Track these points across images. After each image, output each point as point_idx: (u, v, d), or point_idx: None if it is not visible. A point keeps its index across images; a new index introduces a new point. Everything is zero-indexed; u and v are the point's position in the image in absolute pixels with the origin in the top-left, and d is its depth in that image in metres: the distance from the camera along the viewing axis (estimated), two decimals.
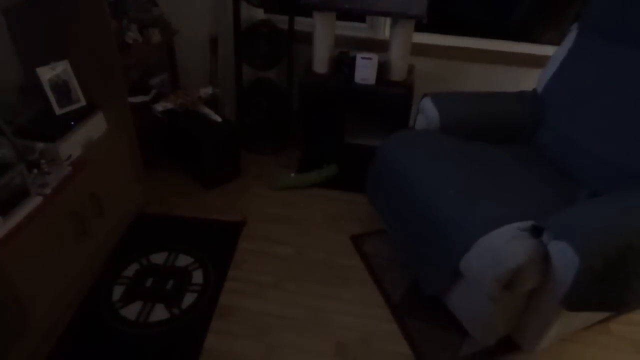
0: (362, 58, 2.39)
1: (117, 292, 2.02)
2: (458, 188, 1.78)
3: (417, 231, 1.83)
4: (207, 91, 2.71)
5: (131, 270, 2.13)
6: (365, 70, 2.42)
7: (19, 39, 2.11)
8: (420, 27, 2.53)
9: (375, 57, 2.40)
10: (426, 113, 2.15)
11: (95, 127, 2.16)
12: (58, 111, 2.05)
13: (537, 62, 2.60)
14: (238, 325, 1.90)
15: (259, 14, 2.76)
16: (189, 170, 2.71)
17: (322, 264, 2.20)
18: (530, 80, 2.58)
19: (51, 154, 1.92)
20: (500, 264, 1.48)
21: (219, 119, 2.55)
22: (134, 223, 2.38)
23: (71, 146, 2.00)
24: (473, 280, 1.63)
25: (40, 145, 1.89)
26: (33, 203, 1.75)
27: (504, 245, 1.52)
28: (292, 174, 2.66)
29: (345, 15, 2.64)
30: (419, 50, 2.66)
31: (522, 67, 2.65)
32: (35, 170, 1.85)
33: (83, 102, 2.13)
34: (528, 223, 1.56)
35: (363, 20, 2.80)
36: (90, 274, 2.08)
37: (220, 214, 2.46)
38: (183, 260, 2.19)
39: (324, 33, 2.43)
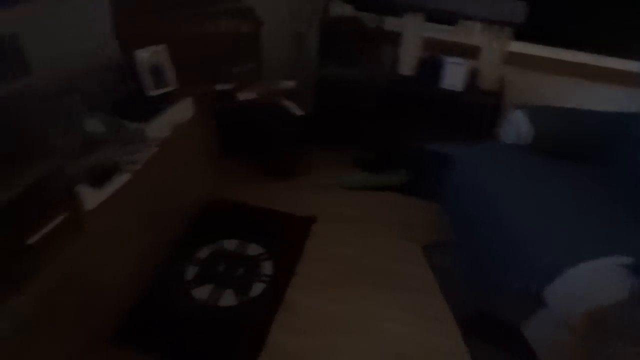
0: (452, 63, 2.31)
1: (190, 272, 2.08)
2: (548, 211, 1.67)
3: (496, 251, 1.74)
4: (288, 84, 2.72)
5: (204, 252, 2.19)
6: (453, 75, 2.34)
7: (120, 21, 2.20)
8: (515, 35, 2.41)
9: (465, 63, 2.31)
10: (517, 126, 2.04)
11: (183, 111, 2.22)
12: (150, 93, 2.13)
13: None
14: (301, 322, 1.90)
15: (348, 10, 2.74)
16: (263, 161, 2.75)
17: (388, 271, 2.16)
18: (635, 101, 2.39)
19: (141, 133, 1.99)
20: (593, 299, 1.38)
21: (300, 113, 2.55)
22: (208, 207, 2.44)
23: (159, 127, 2.07)
24: (556, 311, 1.53)
25: (131, 124, 1.97)
26: (122, 179, 1.83)
27: (599, 280, 1.42)
28: (362, 173, 2.63)
29: (435, 17, 2.55)
30: (512, 59, 2.52)
31: (624, 86, 2.46)
32: (127, 148, 1.94)
33: (174, 86, 2.20)
34: (628, 259, 1.44)
35: (453, 24, 2.71)
36: (164, 252, 2.15)
37: (290, 207, 2.47)
38: (254, 249, 2.22)
39: (413, 34, 2.37)
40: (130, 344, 1.78)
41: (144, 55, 2.09)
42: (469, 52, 2.58)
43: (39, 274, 1.45)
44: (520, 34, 2.44)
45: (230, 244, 2.25)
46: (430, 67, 2.44)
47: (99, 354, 1.73)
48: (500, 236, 1.72)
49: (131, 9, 2.11)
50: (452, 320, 1.94)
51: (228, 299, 1.98)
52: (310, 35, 2.85)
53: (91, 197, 1.66)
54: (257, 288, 2.04)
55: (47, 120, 1.36)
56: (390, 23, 2.69)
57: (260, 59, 2.99)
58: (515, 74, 2.53)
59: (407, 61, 2.44)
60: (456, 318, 1.94)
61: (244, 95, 2.62)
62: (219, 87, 2.43)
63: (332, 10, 2.61)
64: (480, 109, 2.34)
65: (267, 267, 2.14)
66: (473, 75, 2.40)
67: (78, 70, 1.94)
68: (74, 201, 1.54)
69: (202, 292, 2.00)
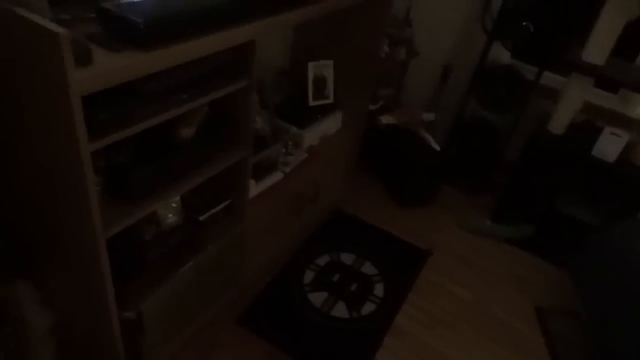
0: (611, 134, 2.24)
1: (308, 276, 2.20)
2: None
3: (631, 334, 1.67)
4: (429, 117, 2.78)
5: (323, 260, 2.30)
6: (609, 145, 2.26)
7: (300, 33, 2.39)
8: None
9: (625, 136, 2.22)
10: None
11: (333, 124, 2.35)
12: (311, 102, 2.29)
13: None
14: (407, 351, 1.94)
15: (505, 56, 2.74)
16: (390, 185, 2.82)
17: (500, 323, 2.14)
18: None
19: (297, 138, 2.15)
20: None
21: (437, 148, 2.60)
22: (332, 217, 2.55)
23: (313, 136, 2.22)
24: None
25: (293, 128, 2.13)
26: (276, 177, 1.99)
27: None
28: (488, 222, 2.61)
29: (601, 83, 2.49)
30: None
31: None
32: (283, 150, 2.10)
33: (331, 100, 2.34)
34: None
35: (615, 91, 2.62)
36: (290, 251, 2.29)
37: (408, 235, 2.52)
38: (369, 268, 2.30)
39: (575, 97, 2.32)
40: (250, 327, 1.92)
41: (314, 67, 2.25)
42: (625, 122, 2.49)
43: (205, 249, 1.62)
44: None
45: (347, 258, 2.34)
46: (585, 131, 2.37)
47: (223, 329, 1.89)
48: (637, 322, 1.65)
49: (314, 25, 2.28)
50: None
51: (340, 310, 2.07)
52: (458, 72, 2.89)
53: (252, 189, 1.83)
54: (369, 307, 2.11)
55: (251, 117, 1.52)
56: (549, 78, 2.66)
57: (402, 85, 3.08)
58: None
59: (561, 120, 2.39)
60: None
61: (385, 119, 2.72)
62: (371, 106, 2.54)
63: (491, 52, 2.62)
64: (629, 185, 2.24)
65: (379, 289, 2.20)
66: (628, 148, 2.30)
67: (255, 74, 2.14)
68: (243, 189, 1.71)
69: (317, 298, 2.10)
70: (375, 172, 2.94)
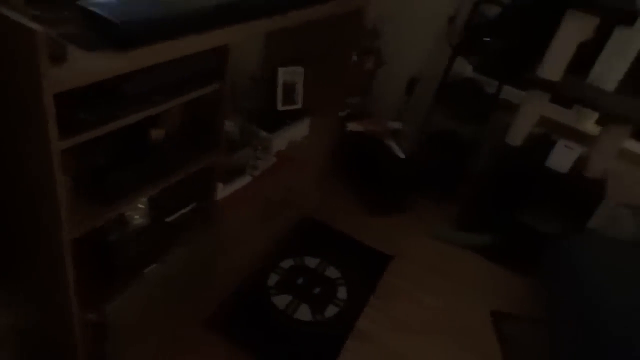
0: (565, 146, 2.37)
1: (272, 279, 2.22)
2: None
3: (586, 339, 1.77)
4: (395, 126, 2.86)
5: (287, 263, 2.32)
6: (561, 157, 2.39)
7: (272, 39, 2.41)
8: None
9: (578, 149, 2.36)
10: (620, 222, 2.07)
11: (301, 129, 2.39)
12: (280, 107, 2.32)
13: None
14: (370, 353, 1.98)
15: (469, 71, 2.85)
16: (359, 192, 2.86)
17: (460, 328, 2.21)
18: None
19: (267, 143, 2.17)
20: None
21: (403, 156, 2.67)
22: (300, 223, 2.57)
23: (281, 141, 2.25)
24: None
25: (262, 133, 2.15)
26: (244, 181, 2.00)
27: None
28: (451, 229, 2.70)
29: (557, 99, 2.63)
30: (624, 155, 2.55)
31: None
32: (252, 153, 2.11)
33: (300, 105, 2.37)
34: None
35: (569, 107, 2.77)
36: (259, 256, 2.30)
37: (374, 242, 2.57)
38: (332, 272, 2.33)
39: (533, 111, 2.45)
40: (217, 330, 1.91)
41: (284, 73, 2.28)
42: (581, 138, 2.63)
43: (171, 250, 1.61)
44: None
45: (311, 261, 2.37)
46: (540, 144, 2.50)
47: (191, 332, 1.88)
48: (593, 327, 1.75)
49: (287, 30, 2.31)
50: None
51: (304, 313, 2.09)
52: (424, 84, 2.98)
53: (220, 192, 1.83)
54: (332, 310, 2.14)
55: (223, 120, 1.53)
56: (509, 92, 2.78)
57: (370, 94, 3.15)
58: (625, 171, 2.55)
59: (518, 133, 2.51)
60: None
61: (352, 126, 2.77)
62: (339, 114, 2.58)
63: (456, 66, 2.73)
64: (580, 196, 2.37)
65: (342, 293, 2.24)
66: (580, 160, 2.44)
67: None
68: (211, 192, 1.71)
69: (281, 301, 2.12)
70: (344, 179, 2.99)
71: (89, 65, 1.00)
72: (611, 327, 1.69)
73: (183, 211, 1.67)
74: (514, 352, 2.14)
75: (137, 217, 1.48)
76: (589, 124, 2.73)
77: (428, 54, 2.98)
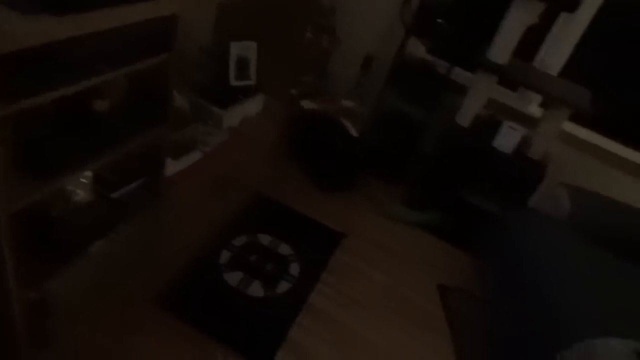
0: (509, 127, 2.46)
1: (225, 256, 2.20)
2: (576, 284, 1.81)
3: (519, 310, 1.87)
4: (349, 104, 2.87)
5: (240, 241, 2.31)
6: (507, 138, 2.48)
7: (223, 13, 2.35)
8: (576, 118, 2.58)
9: (521, 130, 2.46)
10: (557, 201, 2.19)
11: (254, 106, 2.36)
12: (233, 82, 2.28)
13: None
14: (321, 329, 2.02)
15: (421, 51, 2.89)
16: (311, 169, 2.87)
17: (408, 301, 2.29)
18: None
19: (218, 118, 2.14)
20: None
21: (356, 134, 2.70)
22: (252, 200, 2.56)
23: (233, 116, 2.22)
24: None
25: (213, 108, 2.11)
26: (195, 156, 1.97)
27: (609, 357, 1.54)
28: (400, 207, 2.77)
29: (505, 81, 2.71)
30: (563, 135, 2.68)
31: None
32: (203, 129, 2.07)
33: (253, 82, 2.34)
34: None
35: (514, 89, 2.87)
36: (210, 232, 2.27)
37: (325, 219, 2.60)
38: (285, 249, 2.35)
39: (481, 92, 2.52)
40: (166, 308, 1.89)
41: (236, 47, 2.24)
42: (525, 120, 2.74)
43: (117, 227, 1.57)
44: (581, 119, 2.60)
45: (264, 239, 2.37)
46: (487, 125, 2.58)
47: (138, 310, 1.84)
48: (526, 299, 1.85)
49: (239, 6, 2.26)
50: None
51: (256, 289, 2.10)
52: (380, 64, 3.00)
53: (169, 167, 1.79)
54: (284, 286, 2.16)
55: (171, 93, 1.49)
56: (459, 74, 2.85)
57: (325, 72, 3.14)
58: (565, 153, 2.68)
59: (467, 114, 2.58)
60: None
61: (306, 104, 2.77)
62: (292, 91, 2.57)
63: (408, 46, 2.76)
64: (524, 175, 2.48)
65: (294, 269, 2.26)
66: (524, 142, 2.55)
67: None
68: (159, 167, 1.67)
69: (233, 278, 2.12)
70: (297, 156, 2.99)
71: (24, 30, 0.95)
72: (546, 299, 1.80)
73: (130, 187, 1.63)
74: (459, 324, 2.24)
75: (80, 192, 1.43)
76: (534, 107, 2.85)
77: (384, 33, 2.99)
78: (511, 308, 1.91)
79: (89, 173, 1.43)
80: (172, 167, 1.81)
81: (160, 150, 1.63)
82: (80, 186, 1.43)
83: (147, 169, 1.67)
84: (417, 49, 2.88)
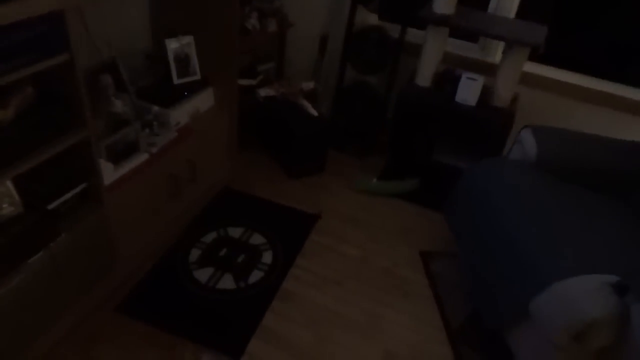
0: (467, 78, 2.37)
1: (194, 254, 2.18)
2: (543, 227, 1.72)
3: (491, 260, 1.79)
4: (308, 85, 2.81)
5: (209, 237, 2.28)
6: (467, 90, 2.39)
7: (155, 11, 2.33)
8: (534, 57, 2.46)
9: (480, 79, 2.36)
10: (524, 145, 2.09)
11: (204, 100, 2.32)
12: (176, 80, 2.24)
13: None
14: (296, 312, 1.98)
15: (373, 19, 2.82)
16: (277, 156, 2.84)
17: (386, 272, 2.22)
18: None
19: (163, 118, 2.10)
20: (574, 314, 1.42)
21: (316, 114, 2.64)
22: (219, 195, 2.54)
23: (181, 114, 2.18)
24: (540, 324, 1.57)
25: (155, 108, 2.08)
26: (140, 158, 1.94)
27: (582, 295, 1.46)
28: (374, 180, 2.70)
29: (458, 33, 2.62)
30: (527, 79, 2.58)
31: (638, 116, 2.49)
32: (147, 130, 2.04)
33: (198, 77, 2.30)
34: (612, 278, 1.48)
35: (475, 40, 2.77)
36: (174, 233, 2.26)
37: (298, 204, 2.56)
38: (257, 239, 2.31)
39: (433, 48, 2.43)
40: (132, 314, 1.87)
41: (173, 44, 2.20)
42: (487, 69, 2.64)
43: (57, 238, 1.55)
44: (539, 56, 2.50)
45: (234, 232, 2.34)
46: (447, 81, 2.50)
47: (101, 320, 1.83)
48: (498, 248, 1.77)
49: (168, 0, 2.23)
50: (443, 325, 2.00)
51: (227, 282, 2.07)
52: (334, 40, 2.94)
53: (110, 172, 1.77)
54: (256, 275, 2.12)
55: (82, 95, 1.46)
56: (413, 35, 2.77)
57: (282, 58, 3.09)
58: (529, 94, 2.58)
59: (425, 73, 2.50)
60: (445, 324, 2.00)
61: (264, 92, 2.72)
62: (240, 82, 2.53)
63: (358, 18, 2.69)
64: (491, 125, 2.38)
65: (267, 257, 2.22)
66: (488, 91, 2.45)
67: (113, 53, 2.06)
68: (95, 174, 1.65)
69: (202, 274, 2.09)
70: (262, 146, 2.95)
71: None
72: (513, 246, 1.71)
73: (66, 196, 1.61)
74: (442, 287, 2.17)
75: (5, 205, 1.42)
76: (497, 55, 2.74)
77: (333, 8, 2.93)
78: (482, 261, 1.83)
79: (9, 185, 1.41)
80: (114, 172, 1.79)
81: (90, 156, 1.61)
82: (4, 199, 1.41)
83: (81, 176, 1.65)
84: (368, 17, 2.80)
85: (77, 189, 1.64)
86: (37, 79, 1.42)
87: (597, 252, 1.65)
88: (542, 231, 1.70)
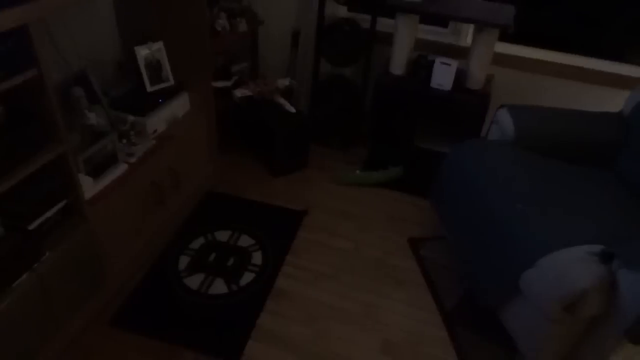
0: (441, 63, 2.38)
1: (183, 262, 2.16)
2: (527, 202, 1.75)
3: (479, 241, 1.82)
4: (284, 82, 2.80)
5: (197, 243, 2.26)
6: (442, 75, 2.41)
7: (122, 19, 2.29)
8: (504, 37, 2.49)
9: (454, 63, 2.38)
10: (501, 124, 2.12)
11: (180, 106, 2.30)
12: (149, 88, 2.21)
13: (626, 83, 2.48)
14: (290, 309, 1.98)
15: (343, 11, 2.82)
16: (259, 156, 2.83)
17: (378, 262, 2.24)
18: (615, 102, 2.47)
19: (140, 126, 2.07)
20: (564, 285, 1.45)
21: (293, 110, 2.63)
22: (204, 200, 2.51)
23: (157, 122, 2.15)
24: (532, 298, 1.60)
25: (131, 117, 2.05)
26: (120, 170, 1.91)
27: (569, 267, 1.48)
28: (358, 171, 2.71)
29: (428, 19, 2.64)
30: (500, 60, 2.61)
31: (607, 87, 2.54)
32: (125, 140, 2.01)
33: (172, 82, 2.27)
34: (598, 247, 1.51)
35: (445, 26, 2.79)
36: (161, 242, 2.23)
37: (284, 202, 2.55)
38: (245, 240, 2.30)
39: (405, 35, 2.44)
40: (127, 327, 1.85)
41: (143, 51, 2.17)
42: (459, 52, 2.67)
43: (41, 258, 1.52)
44: (509, 36, 2.53)
45: (222, 235, 2.32)
46: (421, 67, 2.51)
47: (96, 335, 1.81)
48: (485, 228, 1.79)
49: (134, 6, 2.19)
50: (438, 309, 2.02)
51: (219, 287, 2.05)
52: (306, 35, 2.93)
53: (90, 186, 1.74)
54: (248, 277, 2.11)
55: (55, 110, 1.43)
56: (384, 24, 2.77)
57: (256, 57, 3.07)
58: (503, 74, 2.61)
59: (399, 61, 2.51)
60: (439, 307, 2.02)
61: (240, 92, 2.70)
62: (215, 84, 2.50)
63: (328, 10, 2.68)
64: (468, 108, 2.41)
65: (257, 258, 2.21)
66: (462, 75, 2.47)
67: (83, 65, 2.03)
68: (74, 189, 1.62)
69: (193, 281, 2.07)
70: (244, 147, 2.93)
71: None
72: (499, 224, 1.74)
73: (48, 214, 1.58)
74: (434, 272, 2.19)
75: None
76: (468, 38, 2.76)
77: (303, 3, 2.92)
78: (470, 242, 1.85)
79: None
80: (94, 186, 1.76)
81: (68, 171, 1.58)
82: None
83: (61, 192, 1.61)
84: (338, 10, 2.80)
85: (58, 206, 1.61)
86: (6, 97, 1.39)
87: (582, 222, 1.68)
88: (526, 207, 1.73)
